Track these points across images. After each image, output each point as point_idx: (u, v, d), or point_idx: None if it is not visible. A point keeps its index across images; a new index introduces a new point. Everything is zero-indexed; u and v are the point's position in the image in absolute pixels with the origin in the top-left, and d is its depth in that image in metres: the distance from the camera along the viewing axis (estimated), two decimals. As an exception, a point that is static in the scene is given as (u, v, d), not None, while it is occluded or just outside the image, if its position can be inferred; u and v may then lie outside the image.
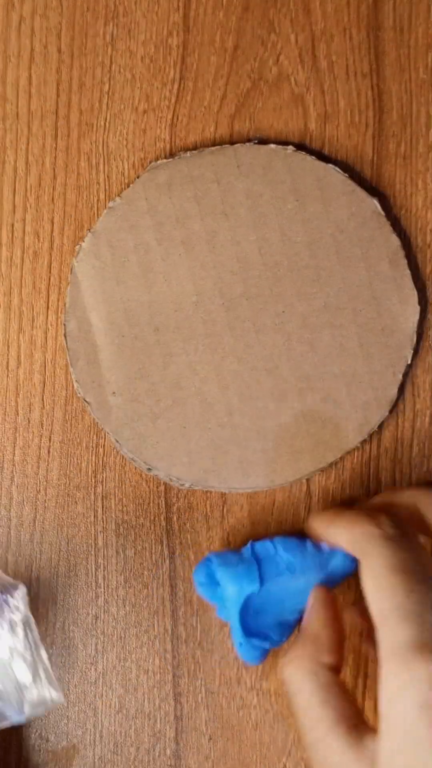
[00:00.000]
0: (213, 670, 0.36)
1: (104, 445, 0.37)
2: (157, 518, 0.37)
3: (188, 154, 0.36)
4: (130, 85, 0.38)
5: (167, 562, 0.36)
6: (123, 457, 0.37)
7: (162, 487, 0.37)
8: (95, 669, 0.36)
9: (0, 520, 0.37)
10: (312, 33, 0.37)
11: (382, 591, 0.28)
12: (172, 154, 0.37)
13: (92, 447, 0.37)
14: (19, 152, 0.38)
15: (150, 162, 0.37)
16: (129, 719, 0.36)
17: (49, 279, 0.37)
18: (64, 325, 0.36)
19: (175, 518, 0.37)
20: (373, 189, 0.37)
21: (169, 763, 0.36)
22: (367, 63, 0.37)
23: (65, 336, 0.36)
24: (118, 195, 0.36)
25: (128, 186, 0.37)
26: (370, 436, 0.36)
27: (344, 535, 0.31)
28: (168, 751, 0.36)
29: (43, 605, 0.37)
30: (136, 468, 0.37)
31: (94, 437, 0.37)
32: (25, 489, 0.37)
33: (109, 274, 0.36)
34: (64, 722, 0.36)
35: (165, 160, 0.36)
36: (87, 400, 0.35)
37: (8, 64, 0.38)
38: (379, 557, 0.29)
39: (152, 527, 0.37)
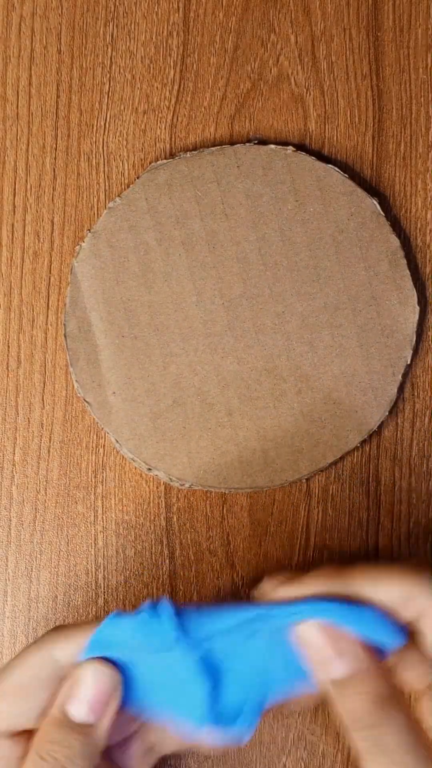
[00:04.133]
0: (213, 670, 0.36)
1: (104, 445, 0.37)
2: (157, 518, 0.37)
3: (188, 154, 0.36)
4: (130, 86, 0.38)
5: (167, 562, 0.37)
6: (123, 457, 0.37)
7: (162, 487, 0.37)
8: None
9: (0, 520, 0.37)
10: (312, 33, 0.37)
11: None
12: (172, 155, 0.37)
13: (92, 447, 0.37)
14: (19, 153, 0.38)
15: (150, 162, 0.37)
16: (129, 719, 0.36)
17: (49, 279, 0.37)
18: (65, 325, 0.36)
19: (175, 518, 0.37)
20: (372, 189, 0.37)
21: (169, 763, 0.36)
22: (366, 63, 0.37)
23: (65, 336, 0.36)
24: (118, 195, 0.36)
25: (128, 186, 0.37)
26: (370, 436, 0.36)
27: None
28: (168, 751, 0.36)
29: (44, 605, 0.37)
30: (136, 468, 0.37)
31: (94, 437, 0.37)
32: (25, 489, 0.37)
33: (109, 274, 0.36)
34: (64, 722, 0.36)
35: (165, 161, 0.36)
36: (87, 400, 0.36)
37: (8, 64, 0.38)
38: None
39: (152, 527, 0.37)
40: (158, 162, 0.37)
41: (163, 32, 0.38)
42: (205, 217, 0.36)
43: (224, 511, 0.36)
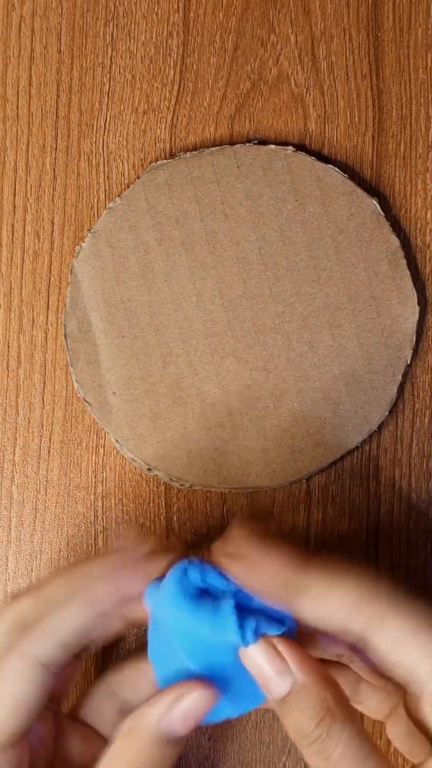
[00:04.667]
0: (213, 670, 0.36)
1: (104, 445, 0.37)
2: (157, 518, 0.37)
3: (188, 154, 0.36)
4: (130, 86, 0.38)
5: (167, 562, 0.36)
6: (123, 457, 0.37)
7: (162, 487, 0.37)
8: (95, 669, 0.36)
9: (0, 520, 0.37)
10: (312, 33, 0.37)
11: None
12: (172, 155, 0.37)
13: (92, 447, 0.37)
14: (19, 153, 0.38)
15: (150, 162, 0.37)
16: (129, 719, 0.36)
17: (50, 279, 0.37)
18: (65, 325, 0.36)
19: (175, 518, 0.37)
20: (372, 189, 0.37)
21: (169, 763, 0.36)
22: (366, 63, 0.37)
23: (65, 336, 0.36)
24: (118, 195, 0.36)
25: (128, 186, 0.37)
26: (370, 436, 0.36)
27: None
28: (168, 751, 0.36)
29: (43, 605, 0.37)
30: (136, 468, 0.37)
31: (94, 437, 0.37)
32: (25, 489, 0.37)
33: (109, 275, 0.36)
34: (64, 722, 0.36)
35: (165, 161, 0.36)
36: (87, 400, 0.36)
37: (8, 64, 0.38)
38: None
39: (152, 527, 0.37)
40: (158, 162, 0.37)
41: (163, 32, 0.38)
42: (205, 217, 0.36)
43: (224, 511, 0.37)
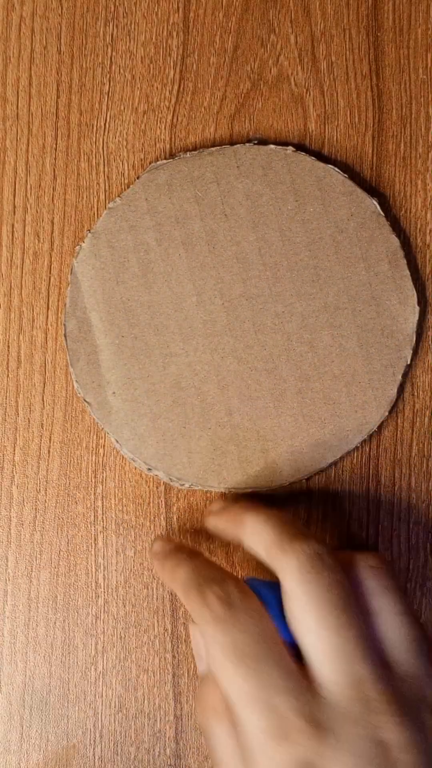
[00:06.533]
0: (213, 670, 0.36)
1: (104, 445, 0.37)
2: (157, 518, 0.37)
3: (188, 154, 0.36)
4: (129, 86, 0.38)
5: (167, 562, 0.36)
6: (123, 457, 0.37)
7: (162, 487, 0.37)
8: (95, 669, 0.36)
9: (0, 520, 0.37)
10: (312, 34, 0.37)
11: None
12: (172, 155, 0.37)
13: (92, 447, 0.37)
14: (19, 153, 0.38)
15: (150, 162, 0.37)
16: (129, 719, 0.36)
17: (49, 280, 0.37)
18: (65, 325, 0.36)
19: (175, 518, 0.37)
20: (372, 189, 0.37)
21: (169, 763, 0.36)
22: (366, 64, 0.37)
23: (65, 336, 0.36)
24: (118, 195, 0.36)
25: (128, 186, 0.37)
26: (370, 436, 0.36)
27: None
28: (168, 751, 0.36)
29: (44, 605, 0.37)
30: (136, 468, 0.37)
31: (94, 437, 0.37)
32: (25, 489, 0.37)
33: (109, 275, 0.36)
34: (64, 722, 0.36)
35: (165, 161, 0.36)
36: (87, 400, 0.36)
37: (8, 64, 0.38)
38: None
39: (152, 527, 0.37)
40: (158, 162, 0.37)
41: (163, 32, 0.38)
42: (205, 218, 0.36)
43: (224, 511, 0.36)
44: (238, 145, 0.36)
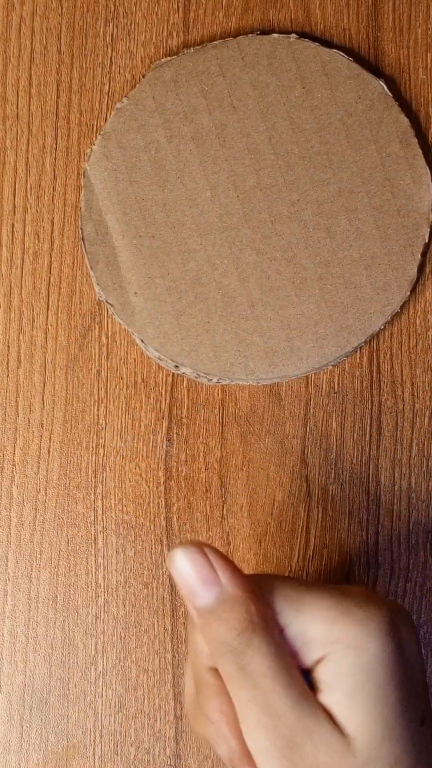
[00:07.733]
0: (213, 670, 0.36)
1: (104, 445, 0.37)
2: (157, 518, 0.37)
3: (192, 49, 0.36)
4: (130, 86, 0.38)
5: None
6: (123, 456, 0.37)
7: (162, 487, 0.37)
8: (95, 669, 0.36)
9: (0, 520, 0.37)
10: (312, 34, 0.37)
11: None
12: (175, 52, 0.37)
13: (92, 447, 0.37)
14: (19, 153, 0.38)
15: (154, 61, 0.37)
16: (129, 719, 0.36)
17: (49, 280, 0.37)
18: (81, 229, 0.36)
19: (175, 518, 0.37)
20: (378, 71, 0.37)
21: (169, 763, 0.36)
22: (366, 63, 0.37)
23: (83, 240, 0.36)
24: (125, 96, 0.36)
25: (134, 87, 0.37)
26: (370, 437, 0.36)
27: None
28: (168, 751, 0.36)
29: (44, 605, 0.37)
30: (135, 468, 0.37)
31: (94, 437, 0.37)
32: (25, 489, 0.37)
33: (122, 176, 0.36)
34: (64, 722, 0.36)
35: (169, 58, 0.36)
36: (109, 302, 0.36)
37: (8, 64, 0.38)
38: None
39: (152, 527, 0.37)
40: (162, 60, 0.36)
41: (163, 32, 0.38)
42: (213, 111, 0.36)
43: (224, 511, 0.37)
44: (241, 37, 0.36)
